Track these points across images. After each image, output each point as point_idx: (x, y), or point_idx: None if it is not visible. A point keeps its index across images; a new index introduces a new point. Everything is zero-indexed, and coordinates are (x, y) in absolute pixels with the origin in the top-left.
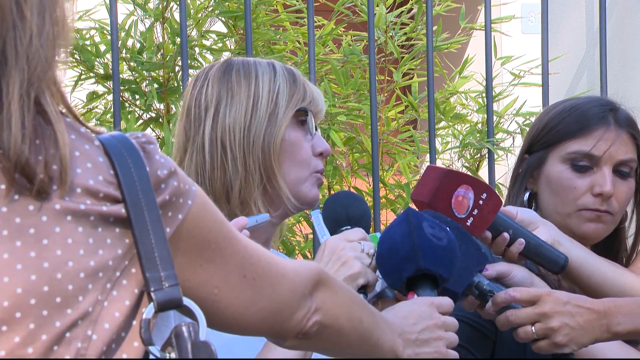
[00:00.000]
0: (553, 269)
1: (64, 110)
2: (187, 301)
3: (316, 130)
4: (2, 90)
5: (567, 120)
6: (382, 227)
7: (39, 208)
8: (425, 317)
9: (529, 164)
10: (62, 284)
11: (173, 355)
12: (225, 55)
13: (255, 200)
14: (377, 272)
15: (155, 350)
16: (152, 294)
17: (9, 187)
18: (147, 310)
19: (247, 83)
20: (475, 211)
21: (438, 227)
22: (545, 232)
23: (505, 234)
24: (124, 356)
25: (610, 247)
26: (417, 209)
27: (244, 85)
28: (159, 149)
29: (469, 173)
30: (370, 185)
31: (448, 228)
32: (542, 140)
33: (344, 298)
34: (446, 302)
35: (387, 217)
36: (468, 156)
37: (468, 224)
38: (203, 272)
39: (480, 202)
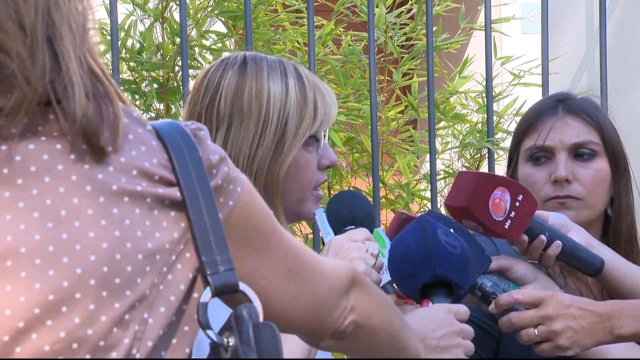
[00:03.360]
0: (589, 271)
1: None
2: (242, 286)
3: (324, 137)
4: (58, 53)
5: (522, 121)
6: (382, 227)
7: (97, 188)
8: (444, 323)
9: (510, 175)
10: (121, 265)
11: (232, 340)
12: (225, 55)
13: None
14: (380, 273)
15: (212, 334)
16: (209, 278)
17: (66, 166)
18: (204, 295)
19: (257, 106)
20: (513, 213)
21: (452, 235)
22: (578, 235)
23: (543, 237)
24: (174, 341)
25: (605, 241)
26: (451, 216)
27: (254, 108)
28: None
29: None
30: (370, 185)
31: (452, 230)
32: (511, 147)
33: (377, 299)
34: (463, 309)
35: (387, 217)
36: (468, 156)
37: (506, 226)
38: (252, 262)
39: (517, 204)
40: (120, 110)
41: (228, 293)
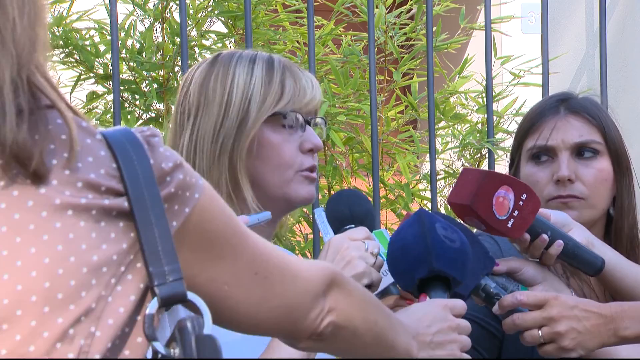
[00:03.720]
0: (590, 271)
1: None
2: (191, 296)
3: (308, 124)
4: None
5: (524, 121)
6: (382, 228)
7: (39, 203)
8: (439, 319)
9: (511, 175)
10: (63, 279)
11: (177, 351)
12: None
13: None
14: (381, 272)
15: (159, 346)
16: (156, 289)
17: (7, 183)
18: (151, 306)
19: (222, 89)
20: (516, 212)
21: (450, 228)
22: (580, 234)
23: (545, 236)
24: (127, 352)
25: (608, 240)
26: (455, 214)
27: (219, 91)
28: (164, 142)
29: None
30: (370, 185)
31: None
32: (513, 147)
33: (359, 299)
34: (459, 304)
35: (387, 217)
36: (468, 156)
37: (509, 225)
38: (212, 267)
39: (521, 202)
40: (72, 122)
41: (176, 303)
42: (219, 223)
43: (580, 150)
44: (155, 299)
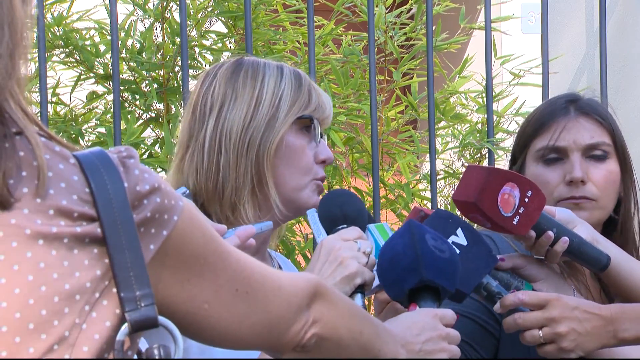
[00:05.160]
0: (595, 268)
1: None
2: (163, 320)
3: (322, 137)
4: None
5: (532, 121)
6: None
7: (9, 233)
8: (429, 328)
9: None
10: (34, 309)
11: None
12: (225, 55)
13: (244, 204)
14: (374, 271)
15: None
16: (126, 315)
17: None
18: (121, 332)
19: (252, 85)
20: (522, 209)
21: (440, 239)
22: (585, 231)
23: (550, 233)
24: None
25: (613, 240)
26: (459, 211)
27: (249, 87)
28: (140, 164)
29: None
30: (370, 185)
31: (460, 228)
32: (518, 147)
33: (343, 310)
34: (449, 313)
35: (387, 217)
36: (468, 156)
37: (515, 222)
38: (191, 287)
39: (526, 199)
40: (39, 148)
41: (147, 328)
42: (199, 243)
43: (591, 152)
44: (126, 324)
